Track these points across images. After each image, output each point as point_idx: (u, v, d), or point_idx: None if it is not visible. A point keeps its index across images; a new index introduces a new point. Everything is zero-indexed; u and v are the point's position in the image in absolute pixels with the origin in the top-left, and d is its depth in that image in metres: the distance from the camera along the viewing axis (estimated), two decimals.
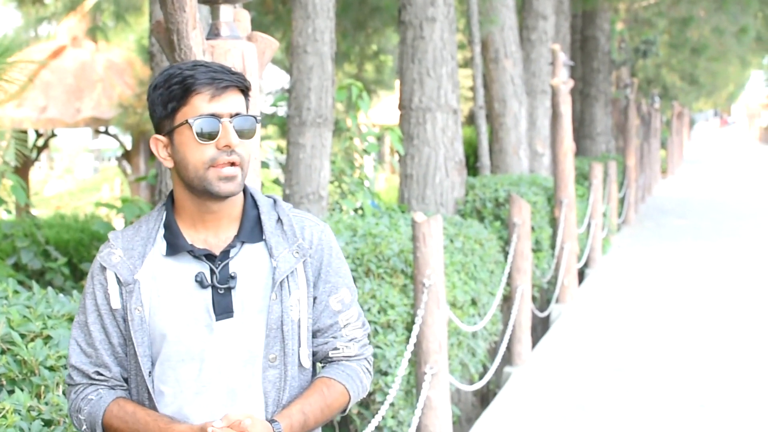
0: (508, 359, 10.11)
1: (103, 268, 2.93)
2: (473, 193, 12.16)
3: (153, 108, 2.88)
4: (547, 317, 12.58)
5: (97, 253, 2.97)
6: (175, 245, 2.90)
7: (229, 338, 2.88)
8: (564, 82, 13.59)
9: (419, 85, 11.80)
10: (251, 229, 2.94)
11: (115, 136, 22.88)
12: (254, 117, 2.88)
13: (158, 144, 2.90)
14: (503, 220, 11.61)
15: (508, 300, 10.31)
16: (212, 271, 2.88)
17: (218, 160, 2.81)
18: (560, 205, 13.14)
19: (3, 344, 4.14)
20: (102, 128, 22.60)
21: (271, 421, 2.83)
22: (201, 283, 2.87)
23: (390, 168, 34.14)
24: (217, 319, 2.87)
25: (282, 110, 14.48)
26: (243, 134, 2.85)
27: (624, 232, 20.77)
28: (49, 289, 4.99)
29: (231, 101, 2.84)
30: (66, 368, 3.52)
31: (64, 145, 44.01)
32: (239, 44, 3.85)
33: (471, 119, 24.88)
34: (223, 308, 2.87)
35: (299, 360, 2.95)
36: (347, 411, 3.09)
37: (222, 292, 2.87)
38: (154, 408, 2.89)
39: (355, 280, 6.85)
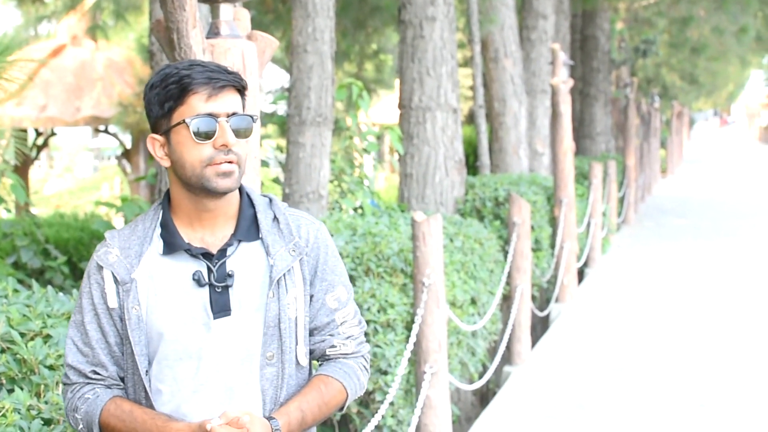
0: (507, 358, 10.11)
1: (100, 267, 2.93)
2: (473, 192, 12.16)
3: (150, 107, 2.89)
4: (547, 316, 12.59)
5: (94, 252, 2.97)
6: (172, 244, 2.91)
7: (227, 336, 2.88)
8: (564, 81, 13.58)
9: (419, 84, 11.80)
10: (248, 227, 2.95)
11: (114, 135, 22.88)
12: (251, 116, 2.90)
13: (155, 143, 2.91)
14: (503, 219, 11.62)
15: (507, 299, 10.31)
16: (209, 270, 2.89)
17: (215, 160, 2.82)
18: (560, 204, 13.14)
19: (3, 343, 4.14)
20: (102, 127, 22.60)
21: (269, 418, 2.84)
22: (198, 282, 2.88)
23: (390, 167, 34.15)
24: (214, 318, 2.88)
25: (282, 109, 14.49)
26: (240, 133, 2.86)
27: (624, 231, 20.77)
28: (49, 287, 4.98)
29: (228, 101, 2.85)
30: None
31: (63, 143, 43.99)
32: (239, 43, 3.85)
33: (471, 118, 24.87)
34: (220, 306, 2.88)
35: (296, 358, 2.96)
36: (345, 408, 3.10)
37: (219, 290, 2.88)
38: (151, 407, 2.90)
39: (354, 279, 6.85)
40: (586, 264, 15.69)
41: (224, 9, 3.88)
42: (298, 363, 2.97)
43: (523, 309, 10.11)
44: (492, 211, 11.88)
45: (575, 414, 8.23)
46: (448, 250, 8.32)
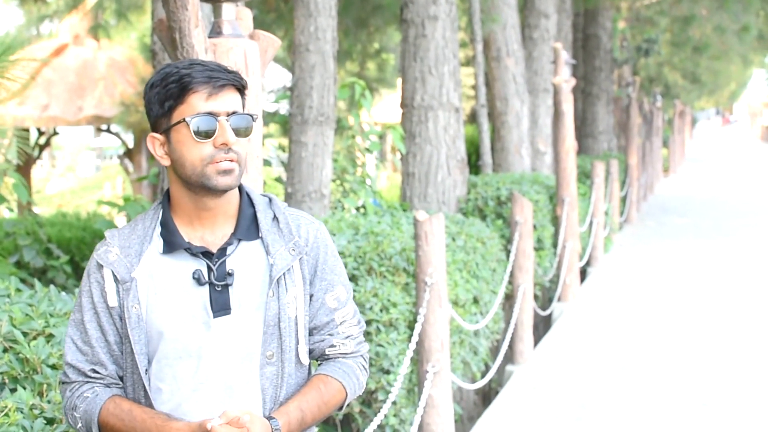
0: (509, 358, 10.11)
1: (100, 266, 2.94)
2: (475, 191, 12.16)
3: (150, 106, 2.90)
4: (549, 316, 12.58)
5: (94, 251, 2.97)
6: (172, 243, 2.91)
7: (227, 335, 2.89)
8: (566, 80, 13.58)
9: (421, 83, 11.80)
10: (248, 227, 2.96)
11: (117, 135, 22.89)
12: (251, 115, 2.90)
13: (155, 142, 2.91)
14: (505, 218, 11.61)
15: (510, 298, 10.31)
16: (209, 269, 2.89)
17: (215, 158, 2.83)
18: (562, 203, 13.13)
19: (5, 342, 4.14)
20: (104, 126, 22.61)
21: (269, 418, 2.85)
22: (198, 281, 2.88)
23: (392, 166, 34.14)
24: (214, 316, 2.88)
25: (284, 108, 14.49)
26: (239, 132, 2.87)
27: (626, 230, 20.77)
28: (51, 287, 4.98)
29: (228, 100, 2.86)
30: None
31: (66, 143, 43.97)
32: (241, 42, 3.85)
33: (473, 118, 24.86)
34: (220, 305, 2.88)
35: (297, 357, 2.97)
36: (344, 408, 3.10)
37: (219, 289, 2.89)
38: (150, 406, 2.90)
39: (357, 278, 6.85)
40: (588, 263, 15.68)
41: (226, 8, 3.88)
42: (298, 362, 2.97)
43: (525, 308, 10.10)
44: (494, 210, 11.88)
45: (577, 413, 8.23)
46: (450, 250, 8.31)
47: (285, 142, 12.32)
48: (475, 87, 14.91)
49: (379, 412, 6.13)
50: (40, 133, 22.08)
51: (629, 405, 8.41)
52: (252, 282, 2.92)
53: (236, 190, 2.95)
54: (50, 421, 3.74)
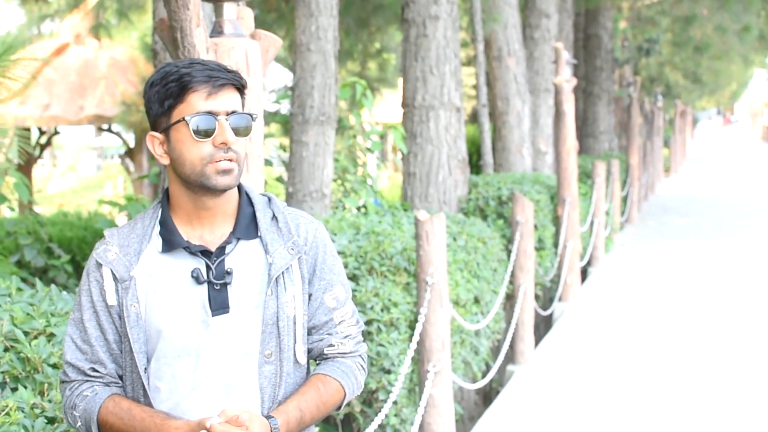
0: (510, 358, 10.11)
1: (99, 265, 2.94)
2: (476, 191, 12.16)
3: (149, 105, 2.90)
4: (550, 316, 12.59)
5: (93, 250, 2.98)
6: (170, 242, 2.92)
7: (225, 334, 2.89)
8: (567, 80, 13.58)
9: (422, 83, 11.80)
10: (247, 225, 2.96)
11: (118, 134, 22.89)
12: (250, 115, 2.91)
13: (154, 141, 2.92)
14: (506, 218, 11.61)
15: (510, 298, 10.31)
16: (208, 267, 2.90)
17: (215, 157, 2.83)
18: (563, 203, 13.13)
19: (6, 342, 4.14)
20: (105, 126, 22.61)
21: (268, 417, 2.85)
22: (197, 279, 2.88)
23: (393, 166, 34.12)
24: (213, 315, 2.88)
25: (285, 108, 14.49)
26: (239, 132, 2.87)
27: (627, 230, 20.77)
28: (53, 286, 4.98)
29: (227, 99, 2.86)
30: None
31: (67, 142, 43.98)
32: (242, 42, 3.85)
33: (474, 117, 24.87)
34: (219, 304, 2.89)
35: (295, 356, 2.97)
36: (342, 407, 3.10)
37: (218, 287, 2.89)
38: (149, 404, 2.90)
39: (358, 278, 6.85)
40: (589, 263, 15.68)
41: (228, 8, 3.88)
42: (296, 361, 2.97)
43: (526, 308, 10.10)
44: (495, 210, 11.88)
45: (578, 413, 8.23)
46: (451, 249, 8.31)
47: (286, 141, 12.31)
48: (476, 87, 14.91)
49: (380, 411, 6.13)
50: (41, 133, 22.08)
51: (630, 405, 8.41)
52: (251, 281, 2.92)
53: (235, 189, 2.96)
54: (51, 421, 3.74)
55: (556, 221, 13.22)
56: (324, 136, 9.45)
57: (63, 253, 10.53)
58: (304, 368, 3.02)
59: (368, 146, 11.14)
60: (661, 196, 29.08)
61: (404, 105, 12.03)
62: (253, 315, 2.91)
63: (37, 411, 3.74)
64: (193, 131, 2.81)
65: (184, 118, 2.82)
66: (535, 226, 12.08)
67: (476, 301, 8.39)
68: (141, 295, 2.90)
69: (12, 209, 11.45)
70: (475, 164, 18.70)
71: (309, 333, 3.03)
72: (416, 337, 6.40)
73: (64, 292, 5.02)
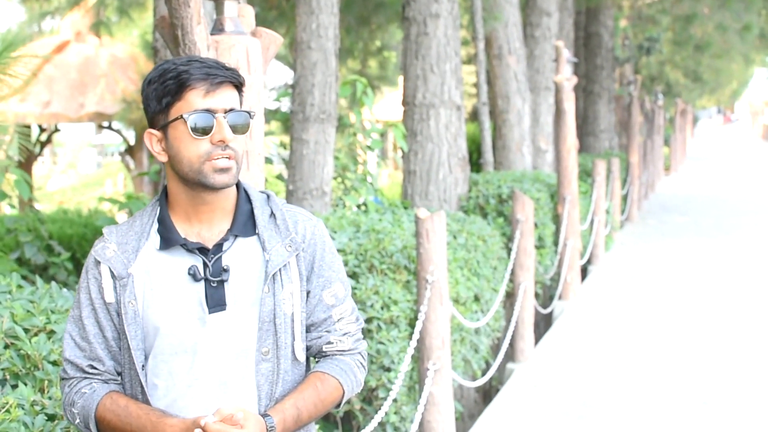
0: (510, 356, 10.11)
1: (98, 262, 2.95)
2: (476, 189, 12.16)
3: (147, 102, 2.90)
4: (550, 314, 12.59)
5: (92, 248, 2.98)
6: (168, 239, 2.93)
7: (222, 331, 2.89)
8: (567, 78, 13.57)
9: (423, 81, 11.80)
10: (244, 223, 2.96)
11: (118, 131, 22.89)
12: (248, 112, 2.91)
13: (152, 138, 2.92)
14: (506, 216, 11.61)
15: (510, 296, 10.31)
16: (205, 265, 2.90)
17: (213, 155, 2.84)
18: (563, 201, 13.13)
19: (7, 339, 4.15)
20: (105, 123, 22.61)
21: (264, 415, 2.85)
22: (194, 276, 2.89)
23: (393, 164, 34.11)
24: (209, 312, 2.89)
25: (285, 106, 14.49)
26: (237, 129, 2.87)
27: (627, 229, 20.77)
28: (53, 283, 4.99)
29: (225, 97, 2.86)
30: None
31: (67, 140, 44.00)
32: (243, 40, 3.85)
33: (474, 116, 24.86)
34: (215, 301, 2.89)
35: (293, 354, 2.97)
36: (341, 405, 3.09)
37: (215, 285, 2.89)
38: (147, 401, 2.91)
39: (358, 276, 6.85)
40: (589, 261, 15.68)
41: (228, 5, 3.88)
42: (294, 359, 2.97)
43: (526, 306, 10.11)
44: (495, 208, 11.88)
45: (578, 411, 8.24)
46: (451, 247, 8.32)
47: (286, 139, 12.31)
48: (476, 85, 14.92)
49: (379, 409, 6.13)
50: (42, 130, 22.08)
51: (630, 403, 8.41)
52: (248, 278, 2.92)
53: (234, 186, 2.96)
54: (51, 418, 3.75)
55: (557, 219, 13.22)
56: (324, 134, 9.45)
57: (63, 251, 10.52)
58: (303, 366, 3.02)
59: (368, 144, 11.14)
60: (662, 195, 29.07)
61: (405, 103, 12.03)
62: (250, 312, 2.91)
63: (37, 408, 3.74)
64: (191, 129, 2.82)
65: (182, 116, 2.82)
66: (535, 225, 12.09)
67: (476, 299, 8.39)
68: (138, 292, 2.91)
69: (12, 206, 11.44)
70: (475, 162, 18.72)
71: (307, 330, 3.03)
72: (416, 335, 6.40)
73: (65, 290, 5.02)
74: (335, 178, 10.58)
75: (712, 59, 33.42)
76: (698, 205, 25.29)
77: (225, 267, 2.90)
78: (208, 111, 2.83)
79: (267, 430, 2.82)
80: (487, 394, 10.23)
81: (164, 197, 2.99)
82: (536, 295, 11.82)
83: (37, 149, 21.72)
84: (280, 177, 11.13)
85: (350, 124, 11.19)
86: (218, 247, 2.92)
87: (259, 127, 3.90)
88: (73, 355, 2.97)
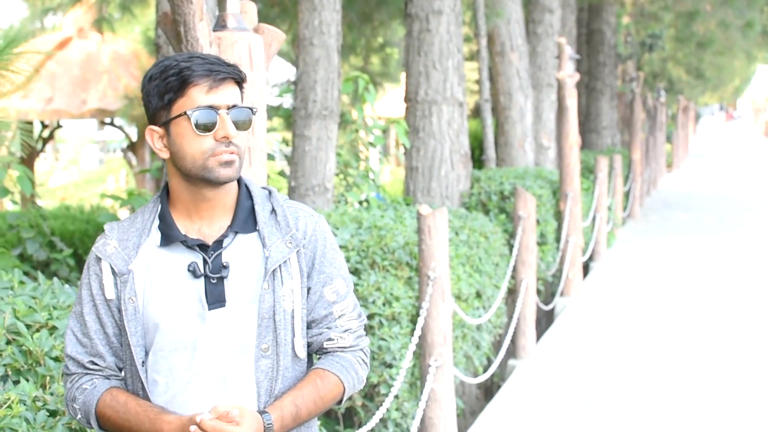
0: (512, 352, 10.12)
1: (99, 259, 2.96)
2: (478, 186, 12.15)
3: (149, 99, 2.90)
4: (552, 310, 12.59)
5: (93, 244, 2.99)
6: (168, 236, 2.93)
7: (222, 328, 2.89)
8: (570, 75, 13.58)
9: (425, 77, 11.80)
10: (245, 219, 2.96)
11: (120, 128, 22.88)
12: (250, 108, 2.91)
13: (153, 135, 2.91)
14: (508, 213, 11.61)
15: (512, 293, 10.32)
16: (205, 261, 2.90)
17: (216, 151, 2.83)
18: (565, 198, 13.13)
19: (9, 335, 4.15)
20: (107, 120, 22.60)
21: (262, 412, 2.84)
22: (194, 273, 2.89)
23: (395, 160, 34.09)
24: (209, 309, 2.89)
25: (288, 102, 14.48)
26: (239, 125, 2.88)
27: (629, 225, 20.77)
28: (55, 279, 4.99)
29: (228, 93, 2.86)
30: None
31: (69, 136, 43.97)
32: (246, 36, 3.85)
33: (477, 112, 24.86)
34: (215, 298, 2.89)
35: (293, 350, 2.96)
36: (343, 402, 3.09)
37: (214, 281, 2.89)
38: (147, 397, 2.91)
39: (360, 272, 6.85)
40: (591, 258, 15.69)
41: (231, 2, 3.88)
42: (295, 356, 2.97)
43: (528, 303, 10.11)
44: (497, 204, 11.87)
45: (580, 408, 8.24)
46: (453, 244, 8.32)
47: (288, 135, 12.31)
48: (479, 82, 14.90)
49: (381, 405, 6.13)
50: (44, 126, 22.08)
51: (631, 400, 8.41)
52: (248, 274, 2.92)
53: (235, 182, 2.96)
54: (53, 413, 3.75)
55: (558, 216, 13.22)
56: (326, 130, 9.45)
57: (65, 247, 10.54)
58: (304, 362, 3.01)
59: (371, 141, 11.14)
60: (664, 192, 29.06)
61: (407, 100, 12.03)
62: (250, 309, 2.90)
63: (39, 404, 3.75)
64: (195, 125, 2.82)
65: (185, 112, 2.82)
66: (537, 221, 12.08)
67: (478, 295, 8.40)
68: (139, 288, 2.91)
69: (15, 202, 11.44)
70: (477, 159, 18.71)
71: (308, 327, 3.02)
72: (418, 332, 6.40)
73: (66, 286, 5.03)
74: (337, 175, 10.58)
75: (714, 56, 33.41)
76: (700, 202, 25.29)
77: (225, 264, 2.90)
78: (211, 107, 2.83)
79: (264, 427, 2.81)
80: (488, 390, 10.24)
81: (165, 194, 2.99)
82: (538, 292, 11.83)
83: (39, 145, 21.71)
84: (282, 173, 11.12)
85: (352, 121, 11.18)
86: (218, 243, 2.92)
87: (261, 123, 3.90)
88: (75, 351, 2.98)
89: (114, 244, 2.94)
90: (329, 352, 3.04)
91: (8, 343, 4.14)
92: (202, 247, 2.91)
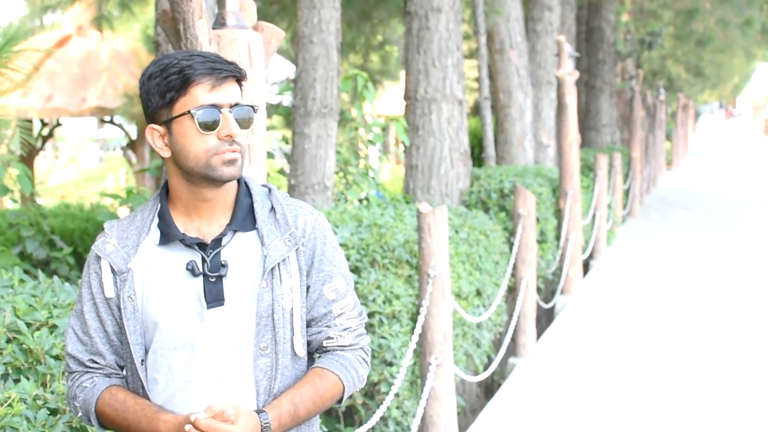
0: (512, 350, 10.12)
1: (98, 257, 2.96)
2: (478, 183, 12.15)
3: (148, 97, 2.88)
4: (552, 308, 12.59)
5: (93, 243, 2.98)
6: (167, 234, 2.92)
7: (220, 326, 2.89)
8: (569, 73, 13.57)
9: (425, 75, 11.79)
10: (244, 217, 2.95)
11: (120, 126, 22.89)
12: (252, 106, 2.90)
13: (154, 134, 2.90)
14: (508, 211, 11.61)
15: (512, 291, 10.31)
16: (204, 260, 2.90)
17: (220, 150, 2.83)
18: (565, 196, 13.13)
19: (9, 333, 4.15)
20: (107, 118, 22.60)
21: (259, 411, 2.84)
22: (192, 272, 2.89)
23: (395, 158, 34.10)
24: (208, 307, 2.88)
25: (287, 100, 14.47)
26: (241, 124, 2.88)
27: (629, 223, 20.77)
28: (55, 278, 4.99)
29: (230, 91, 2.86)
30: None
31: (69, 134, 44.00)
32: (245, 34, 3.85)
33: (476, 110, 24.84)
34: (214, 296, 2.89)
35: (292, 349, 2.95)
36: (344, 401, 3.08)
37: (213, 280, 2.89)
38: (147, 396, 2.92)
39: (360, 270, 6.84)
40: (591, 256, 15.69)
41: (230, 0, 3.88)
42: (294, 354, 2.96)
43: (528, 301, 10.11)
44: (497, 202, 11.87)
45: (580, 406, 8.24)
46: (453, 242, 8.31)
47: (288, 133, 12.31)
48: (478, 79, 14.90)
49: (381, 404, 6.13)
50: (44, 124, 22.08)
51: (631, 398, 8.41)
52: (246, 273, 2.91)
53: (235, 180, 2.95)
54: (53, 412, 3.75)
55: (558, 214, 13.22)
56: (326, 128, 9.44)
57: (65, 245, 10.53)
58: (304, 361, 3.00)
59: (370, 139, 11.13)
60: (663, 190, 29.07)
61: (406, 97, 12.02)
62: (248, 307, 2.90)
63: (40, 402, 3.74)
64: (199, 124, 2.81)
65: (189, 111, 2.81)
66: (537, 219, 12.08)
67: (478, 293, 8.39)
68: (138, 287, 2.91)
69: (14, 201, 11.43)
70: (477, 157, 18.69)
71: (308, 325, 3.01)
72: (418, 330, 6.40)
73: (67, 284, 5.02)
74: (337, 173, 10.58)
75: (713, 54, 33.42)
76: (700, 200, 25.29)
77: (223, 262, 2.89)
78: (214, 106, 2.82)
79: (261, 426, 2.81)
80: (489, 388, 10.24)
81: (165, 192, 2.98)
82: (538, 290, 11.83)
83: (38, 144, 21.72)
84: (281, 171, 11.12)
85: (352, 119, 11.18)
86: (217, 242, 2.91)
87: (260, 121, 3.90)
88: (75, 349, 2.99)
89: (113, 243, 2.94)
90: (329, 350, 3.03)
91: (9, 341, 4.13)
92: (201, 245, 2.91)
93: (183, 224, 2.93)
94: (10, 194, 9.82)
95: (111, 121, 22.82)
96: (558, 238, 13.04)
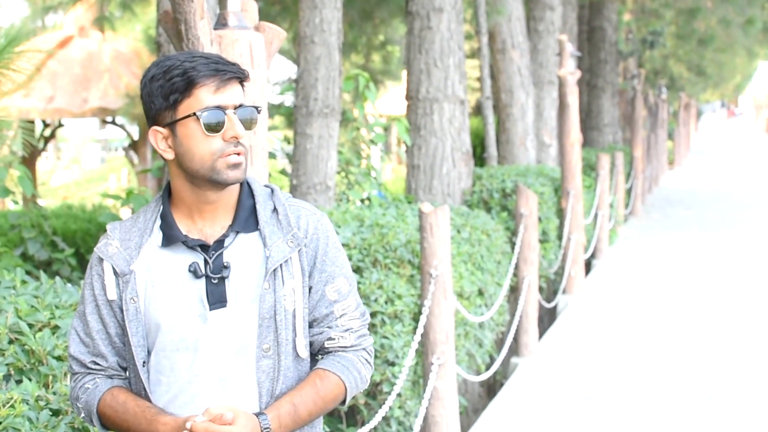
0: (514, 350, 10.12)
1: (101, 259, 2.95)
2: (480, 183, 12.15)
3: (151, 99, 2.87)
4: (554, 308, 12.59)
5: (96, 245, 2.98)
6: (170, 236, 2.92)
7: (223, 328, 2.88)
8: (571, 72, 13.57)
9: (426, 75, 11.79)
10: (246, 218, 2.95)
11: (122, 127, 22.89)
12: (255, 107, 2.90)
13: (157, 136, 2.89)
14: (510, 210, 11.60)
15: (514, 291, 10.31)
16: (206, 261, 2.89)
17: (225, 152, 2.82)
18: (567, 195, 13.13)
19: (11, 334, 4.15)
20: (109, 118, 22.60)
21: (259, 414, 2.83)
22: (195, 273, 2.88)
23: (397, 158, 34.10)
24: (210, 309, 2.88)
25: (289, 100, 14.48)
26: (245, 125, 2.87)
27: (631, 223, 20.76)
28: (57, 279, 4.99)
29: (233, 92, 2.86)
30: None
31: (71, 135, 43.98)
32: (247, 34, 3.85)
33: (478, 110, 24.84)
34: (216, 298, 2.88)
35: (294, 350, 2.94)
36: (347, 402, 3.07)
37: (215, 281, 2.88)
38: (149, 397, 2.91)
39: (362, 270, 6.84)
40: (593, 255, 15.68)
41: (232, 0, 3.88)
42: (296, 355, 2.95)
43: (530, 300, 10.11)
44: (499, 202, 11.87)
45: (582, 406, 8.24)
46: (455, 242, 8.31)
47: (290, 134, 12.30)
48: (480, 79, 14.89)
49: (384, 404, 6.13)
50: (45, 125, 22.09)
51: (634, 397, 8.41)
52: (249, 274, 2.91)
53: None
54: (56, 413, 3.75)
55: (560, 214, 13.22)
56: (328, 128, 9.44)
57: (67, 246, 10.54)
58: (306, 362, 2.99)
59: (372, 139, 11.13)
60: (665, 189, 29.06)
61: (408, 97, 12.02)
62: (250, 309, 2.89)
63: (42, 403, 3.74)
64: (205, 126, 2.80)
65: (194, 113, 2.81)
66: (539, 219, 12.08)
67: (480, 293, 8.39)
68: (140, 289, 2.90)
69: (16, 202, 11.43)
70: (479, 157, 18.71)
71: (310, 326, 3.00)
72: (420, 330, 6.40)
73: (69, 285, 5.02)
74: (339, 173, 10.58)
75: (715, 53, 33.41)
76: (702, 199, 25.28)
77: (226, 264, 2.89)
78: (218, 108, 2.82)
79: (261, 428, 2.80)
80: (491, 388, 10.24)
81: (167, 194, 2.98)
82: (540, 290, 11.82)
83: (40, 144, 21.73)
84: (283, 172, 11.12)
85: (353, 119, 11.18)
86: (219, 243, 2.91)
87: (262, 121, 3.90)
88: (77, 351, 2.99)
89: (116, 245, 2.94)
90: (330, 351, 3.02)
91: (11, 342, 4.13)
92: (204, 247, 2.90)
93: (185, 226, 2.92)
94: (11, 195, 9.82)
95: (113, 122, 22.82)
96: (560, 237, 13.03)
